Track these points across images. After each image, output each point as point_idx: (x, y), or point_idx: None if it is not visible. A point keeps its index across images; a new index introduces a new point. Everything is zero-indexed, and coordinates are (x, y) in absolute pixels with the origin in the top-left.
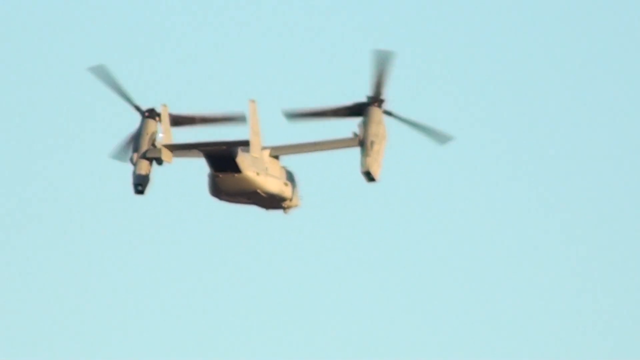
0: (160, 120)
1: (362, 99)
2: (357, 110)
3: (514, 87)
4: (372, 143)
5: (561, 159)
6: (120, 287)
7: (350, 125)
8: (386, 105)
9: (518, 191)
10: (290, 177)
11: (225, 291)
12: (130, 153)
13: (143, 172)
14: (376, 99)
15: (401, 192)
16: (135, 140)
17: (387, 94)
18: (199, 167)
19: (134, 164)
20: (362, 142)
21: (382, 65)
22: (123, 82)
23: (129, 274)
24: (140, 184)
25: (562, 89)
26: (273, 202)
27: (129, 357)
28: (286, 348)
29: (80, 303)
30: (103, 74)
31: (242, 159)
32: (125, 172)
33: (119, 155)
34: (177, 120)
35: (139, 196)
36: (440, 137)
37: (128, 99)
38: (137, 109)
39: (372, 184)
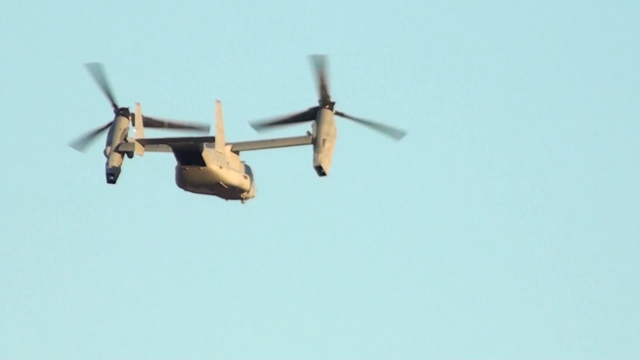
0: (131, 119)
1: (316, 103)
2: (312, 114)
3: (466, 83)
4: (323, 141)
5: (512, 151)
6: (90, 273)
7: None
8: (337, 107)
9: (467, 185)
10: (248, 171)
11: (187, 275)
12: (88, 146)
13: (115, 163)
14: (327, 102)
15: (349, 186)
16: (109, 135)
17: (334, 97)
18: (167, 160)
19: (107, 156)
20: (314, 140)
21: (320, 69)
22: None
23: (100, 260)
24: (112, 174)
25: (511, 84)
26: (233, 193)
27: (96, 340)
28: (242, 332)
29: (56, 287)
30: (97, 72)
31: (207, 154)
32: (83, 161)
33: (77, 145)
34: (147, 122)
35: (111, 185)
36: (393, 133)
37: (111, 98)
38: (114, 106)
39: (322, 178)
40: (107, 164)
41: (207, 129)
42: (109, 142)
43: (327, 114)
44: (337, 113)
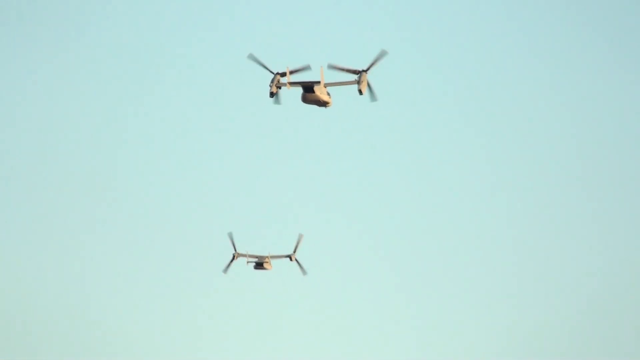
0: (281, 77)
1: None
2: (358, 73)
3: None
4: (362, 81)
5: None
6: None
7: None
8: (368, 71)
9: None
10: (329, 94)
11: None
12: (256, 64)
13: (274, 90)
14: (357, 72)
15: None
16: (273, 79)
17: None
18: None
19: (270, 86)
20: (358, 82)
21: (337, 69)
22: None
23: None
24: (273, 94)
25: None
26: (324, 104)
27: None
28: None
29: None
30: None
31: (316, 88)
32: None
33: (253, 58)
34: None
35: (270, 98)
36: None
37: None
38: (277, 72)
39: (361, 96)
40: (270, 88)
41: (318, 82)
42: (272, 81)
43: (362, 74)
44: (366, 71)
